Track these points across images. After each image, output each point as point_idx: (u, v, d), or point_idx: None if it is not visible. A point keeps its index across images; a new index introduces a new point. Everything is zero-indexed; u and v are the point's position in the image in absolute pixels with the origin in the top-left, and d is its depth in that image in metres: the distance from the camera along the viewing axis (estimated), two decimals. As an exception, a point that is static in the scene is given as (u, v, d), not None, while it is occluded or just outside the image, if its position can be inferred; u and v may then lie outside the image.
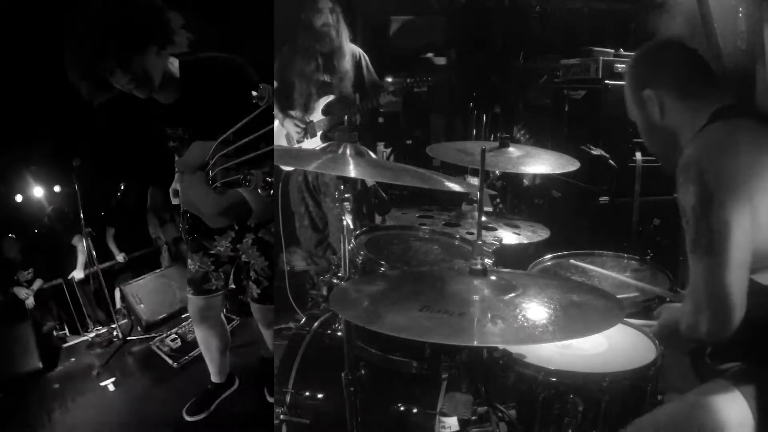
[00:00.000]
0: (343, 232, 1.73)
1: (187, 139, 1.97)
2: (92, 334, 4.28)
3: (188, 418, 2.42)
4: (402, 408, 1.74)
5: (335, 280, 1.85)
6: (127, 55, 1.70)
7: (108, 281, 4.47)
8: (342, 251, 1.77)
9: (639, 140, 2.87)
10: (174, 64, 1.90)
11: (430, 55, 4.31)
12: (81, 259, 4.59)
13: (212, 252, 2.21)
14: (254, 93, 1.32)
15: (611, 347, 1.55)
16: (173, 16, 1.80)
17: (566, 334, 1.26)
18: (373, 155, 1.88)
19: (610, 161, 2.74)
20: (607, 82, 2.90)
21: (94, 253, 4.29)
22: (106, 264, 4.65)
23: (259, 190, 1.41)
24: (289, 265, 3.37)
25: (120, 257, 4.78)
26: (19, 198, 4.86)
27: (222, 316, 2.47)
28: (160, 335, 3.65)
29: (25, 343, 3.60)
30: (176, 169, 2.15)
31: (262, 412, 2.32)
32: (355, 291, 1.44)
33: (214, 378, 2.54)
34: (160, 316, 3.87)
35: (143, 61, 1.75)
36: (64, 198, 4.75)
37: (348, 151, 1.69)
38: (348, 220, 1.74)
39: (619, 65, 2.92)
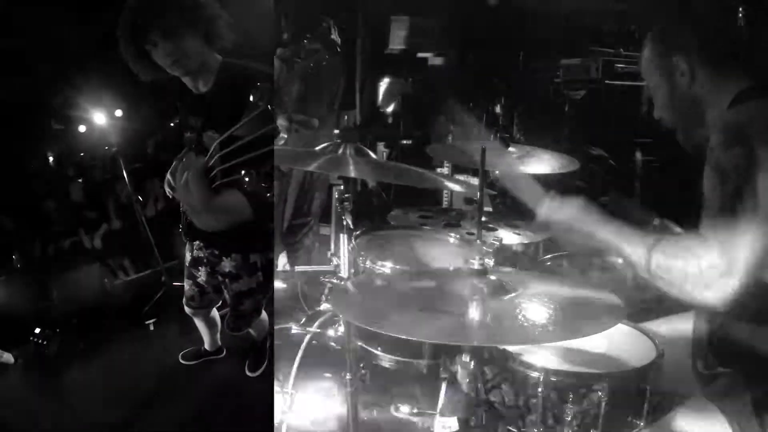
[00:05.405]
0: (343, 232, 1.73)
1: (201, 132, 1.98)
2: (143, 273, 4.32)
3: (183, 362, 2.91)
4: (402, 408, 1.74)
5: (335, 280, 1.85)
6: (168, 33, 1.77)
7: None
8: (342, 251, 1.77)
9: (639, 140, 2.90)
10: (217, 58, 1.93)
11: (429, 55, 4.30)
12: None
13: (199, 281, 2.32)
14: (253, 93, 1.32)
15: (611, 347, 1.55)
16: (223, 15, 1.88)
17: (566, 334, 1.26)
18: (373, 155, 1.89)
19: (610, 161, 2.74)
20: (607, 82, 2.90)
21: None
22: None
23: (260, 191, 1.41)
24: (290, 264, 3.37)
25: None
26: (82, 128, 4.75)
27: (213, 311, 2.65)
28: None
29: (92, 284, 3.82)
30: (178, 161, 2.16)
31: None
32: (356, 291, 1.44)
33: (207, 347, 2.90)
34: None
35: (184, 44, 1.80)
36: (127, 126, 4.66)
37: (348, 151, 1.69)
38: (348, 220, 1.75)
39: (619, 65, 2.92)
